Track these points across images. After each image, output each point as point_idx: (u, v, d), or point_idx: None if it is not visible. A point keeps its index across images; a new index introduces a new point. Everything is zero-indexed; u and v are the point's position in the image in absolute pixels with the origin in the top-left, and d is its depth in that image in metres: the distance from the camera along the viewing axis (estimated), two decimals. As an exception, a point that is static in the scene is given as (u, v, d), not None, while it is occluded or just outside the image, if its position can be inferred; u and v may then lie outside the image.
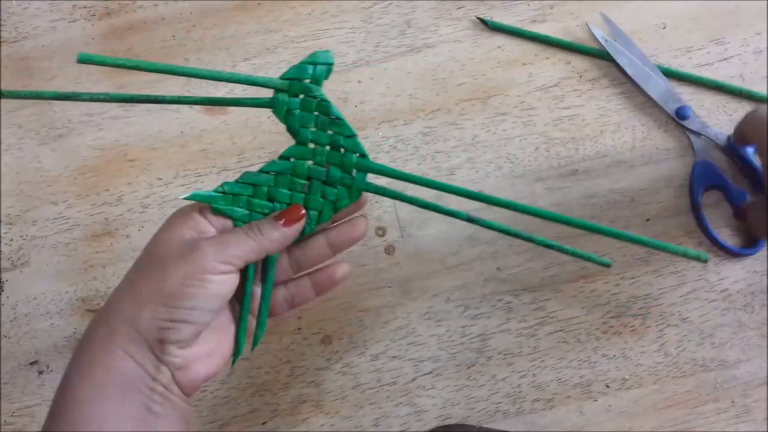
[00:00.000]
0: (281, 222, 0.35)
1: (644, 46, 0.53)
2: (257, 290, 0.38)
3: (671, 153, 0.51)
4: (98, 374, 0.31)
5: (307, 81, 0.36)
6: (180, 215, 0.35)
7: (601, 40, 0.52)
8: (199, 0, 0.55)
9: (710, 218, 0.49)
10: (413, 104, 0.52)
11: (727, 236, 0.49)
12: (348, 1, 0.55)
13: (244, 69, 0.54)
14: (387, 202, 0.51)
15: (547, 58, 0.53)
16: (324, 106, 0.36)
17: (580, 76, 0.53)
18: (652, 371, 0.47)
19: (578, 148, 0.51)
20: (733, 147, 0.49)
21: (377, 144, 0.52)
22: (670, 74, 0.52)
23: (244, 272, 0.36)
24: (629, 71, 0.51)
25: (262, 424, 0.47)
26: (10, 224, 0.51)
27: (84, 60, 0.34)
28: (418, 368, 0.48)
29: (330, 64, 0.36)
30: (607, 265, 0.39)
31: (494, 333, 0.48)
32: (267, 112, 0.53)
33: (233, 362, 0.37)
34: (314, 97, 0.36)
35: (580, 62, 0.53)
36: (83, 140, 0.53)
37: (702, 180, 0.49)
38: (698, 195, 0.49)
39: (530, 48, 0.53)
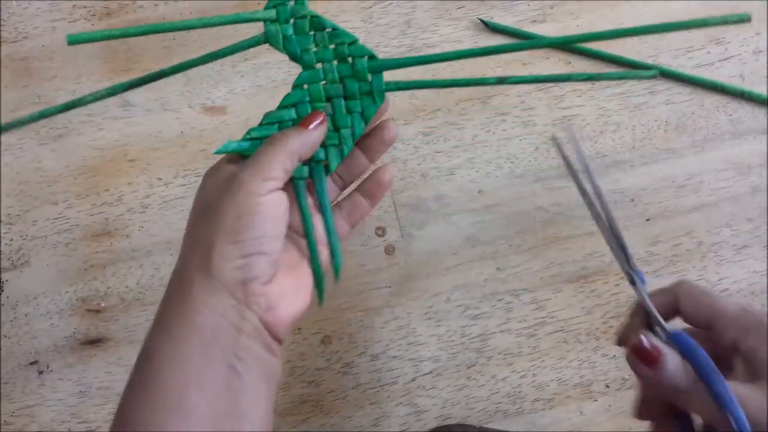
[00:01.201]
0: (303, 126, 0.35)
1: (644, 46, 0.53)
2: (317, 223, 0.37)
3: (671, 153, 0.51)
4: (179, 334, 0.30)
5: (291, 2, 0.35)
6: (211, 171, 0.34)
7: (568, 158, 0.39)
8: (199, 0, 0.55)
9: None
10: (413, 104, 0.52)
11: None
12: (348, 1, 0.55)
13: (244, 69, 0.54)
14: (387, 202, 0.51)
15: (547, 58, 0.53)
16: (317, 22, 0.35)
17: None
18: (652, 371, 0.47)
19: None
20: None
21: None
22: (670, 75, 0.52)
23: (296, 199, 0.36)
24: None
25: (262, 424, 0.47)
26: (10, 224, 0.51)
27: (73, 41, 0.33)
28: (418, 368, 0.48)
29: None
30: (653, 76, 0.37)
31: (494, 333, 0.48)
32: (266, 112, 0.53)
33: (320, 300, 0.36)
34: (304, 16, 0.35)
35: (580, 62, 0.53)
36: (83, 140, 0.53)
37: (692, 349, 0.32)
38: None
39: (537, 50, 0.53)
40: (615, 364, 0.47)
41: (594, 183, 0.36)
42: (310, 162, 0.36)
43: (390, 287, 0.49)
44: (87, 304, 0.50)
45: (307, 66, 0.36)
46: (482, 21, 0.54)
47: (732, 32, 0.53)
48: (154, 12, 0.55)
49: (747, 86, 0.51)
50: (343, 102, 0.36)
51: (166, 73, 0.37)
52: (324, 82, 0.36)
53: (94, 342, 0.49)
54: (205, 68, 0.54)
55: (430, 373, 0.48)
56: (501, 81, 0.36)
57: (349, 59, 0.36)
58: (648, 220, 0.50)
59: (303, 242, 0.36)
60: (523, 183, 0.51)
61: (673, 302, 0.33)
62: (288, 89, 0.55)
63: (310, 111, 0.36)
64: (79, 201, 0.52)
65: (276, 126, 0.36)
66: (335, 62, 0.36)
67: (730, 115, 0.51)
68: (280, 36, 0.36)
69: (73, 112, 0.53)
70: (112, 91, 0.36)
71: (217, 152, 0.34)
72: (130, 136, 0.53)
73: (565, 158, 0.37)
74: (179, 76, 0.54)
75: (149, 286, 0.50)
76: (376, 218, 0.50)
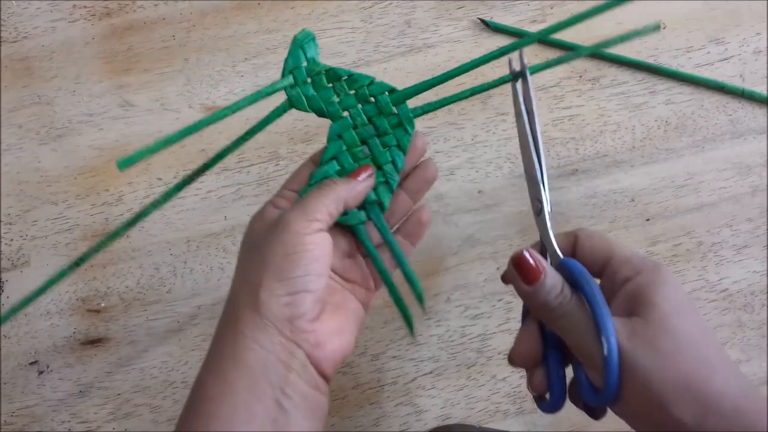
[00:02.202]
0: (351, 177, 0.36)
1: (644, 46, 0.53)
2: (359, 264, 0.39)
3: (671, 153, 0.51)
4: (228, 369, 0.31)
5: (304, 64, 0.37)
6: (257, 214, 0.36)
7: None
8: (199, 0, 0.55)
9: None
10: (413, 104, 0.52)
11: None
12: (348, 1, 0.55)
13: (244, 69, 0.54)
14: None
15: (547, 58, 0.53)
16: (332, 74, 0.37)
17: (580, 76, 0.53)
18: (652, 371, 0.47)
19: (578, 148, 0.51)
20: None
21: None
22: (670, 74, 0.52)
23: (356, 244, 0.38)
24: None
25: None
26: (10, 224, 0.51)
27: (125, 165, 0.35)
28: (418, 368, 0.48)
29: (312, 38, 0.37)
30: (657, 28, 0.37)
31: (494, 333, 0.48)
32: (266, 112, 0.53)
33: (411, 331, 0.38)
34: (319, 72, 0.37)
35: (580, 62, 0.53)
36: (83, 140, 0.53)
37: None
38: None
39: (530, 48, 0.53)
40: (615, 364, 0.47)
41: (529, 95, 0.37)
42: (365, 205, 0.37)
43: (390, 287, 0.49)
44: (87, 304, 0.50)
45: (334, 117, 0.37)
46: (482, 21, 0.54)
47: (732, 32, 0.53)
48: (154, 12, 0.55)
49: (747, 86, 0.52)
50: (377, 140, 0.37)
51: (209, 165, 0.40)
52: (354, 126, 0.37)
53: (94, 342, 0.49)
54: (206, 68, 0.54)
55: (430, 373, 0.48)
56: (516, 76, 0.37)
57: (372, 99, 0.37)
58: (648, 220, 0.50)
59: (346, 283, 0.38)
60: (523, 183, 0.50)
61: (572, 244, 0.34)
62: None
63: (349, 158, 0.37)
64: (79, 201, 0.52)
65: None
66: (360, 105, 0.37)
67: (730, 115, 0.51)
68: (303, 98, 0.37)
69: (73, 112, 0.54)
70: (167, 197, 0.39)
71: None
72: (130, 136, 0.53)
73: (513, 72, 0.38)
74: (179, 76, 0.54)
75: (149, 286, 0.50)
76: (376, 218, 0.50)
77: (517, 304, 0.48)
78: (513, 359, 0.35)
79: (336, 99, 0.37)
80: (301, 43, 0.37)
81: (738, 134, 0.51)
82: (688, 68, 0.52)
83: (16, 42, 0.55)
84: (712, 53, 0.53)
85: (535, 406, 0.36)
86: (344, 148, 0.37)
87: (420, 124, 0.52)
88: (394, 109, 0.37)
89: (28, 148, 0.53)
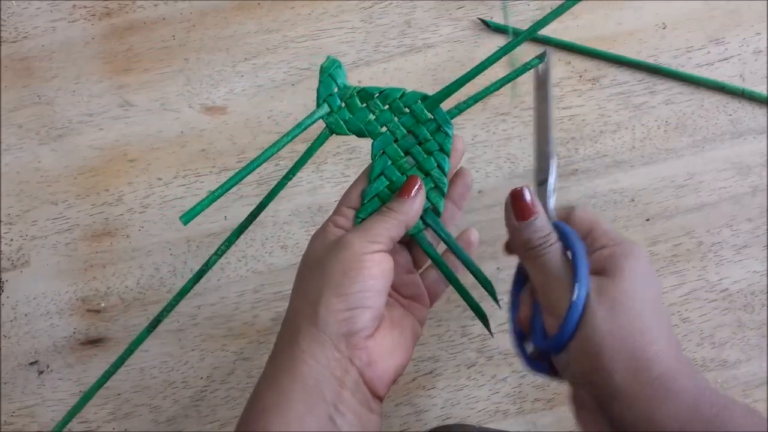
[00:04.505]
0: (402, 194, 0.37)
1: (644, 46, 0.53)
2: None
3: (671, 153, 0.51)
4: (283, 381, 0.31)
5: (336, 90, 0.38)
6: (319, 233, 0.37)
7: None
8: (199, 0, 0.55)
9: None
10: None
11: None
12: (348, 1, 0.55)
13: (244, 69, 0.54)
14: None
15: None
16: (364, 94, 0.38)
17: (580, 76, 0.53)
18: (652, 371, 0.47)
19: (578, 148, 0.51)
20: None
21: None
22: (670, 74, 0.52)
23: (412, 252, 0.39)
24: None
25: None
26: (10, 224, 0.51)
27: (188, 219, 0.38)
28: (418, 368, 0.48)
29: (339, 65, 0.38)
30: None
31: (494, 333, 0.48)
32: (267, 113, 0.53)
33: (489, 329, 0.39)
34: (352, 95, 0.38)
35: (580, 62, 0.53)
36: (83, 140, 0.53)
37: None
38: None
39: (530, 48, 0.53)
40: (615, 364, 0.47)
41: (549, 78, 0.40)
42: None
43: (390, 287, 0.49)
44: (87, 304, 0.50)
45: (375, 135, 0.38)
46: (483, 21, 0.54)
47: (732, 32, 0.53)
48: (154, 12, 0.55)
49: (747, 86, 0.51)
50: (419, 148, 0.38)
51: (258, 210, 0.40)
52: (395, 140, 0.38)
53: (94, 342, 0.49)
54: (206, 68, 0.54)
55: (430, 373, 0.48)
56: (542, 57, 0.39)
57: (406, 109, 0.38)
58: (648, 220, 0.50)
59: (404, 300, 0.38)
60: (523, 183, 0.50)
61: (566, 217, 0.36)
62: (287, 88, 0.55)
63: (396, 171, 0.38)
64: (79, 201, 0.52)
65: (376, 199, 0.38)
66: (396, 118, 0.38)
67: (730, 115, 0.51)
68: (341, 122, 0.38)
69: (73, 112, 0.54)
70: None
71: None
72: (130, 136, 0.53)
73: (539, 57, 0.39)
74: (179, 75, 0.54)
75: (149, 286, 0.50)
76: (376, 218, 0.50)
77: (517, 304, 0.48)
78: (518, 324, 0.37)
79: (372, 117, 0.38)
80: (329, 71, 0.38)
81: (738, 134, 0.51)
82: (688, 68, 0.52)
83: (16, 42, 0.55)
84: (712, 53, 0.53)
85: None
86: (389, 162, 0.38)
87: (420, 124, 0.52)
88: (430, 115, 0.38)
89: (28, 148, 0.53)
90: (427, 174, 0.38)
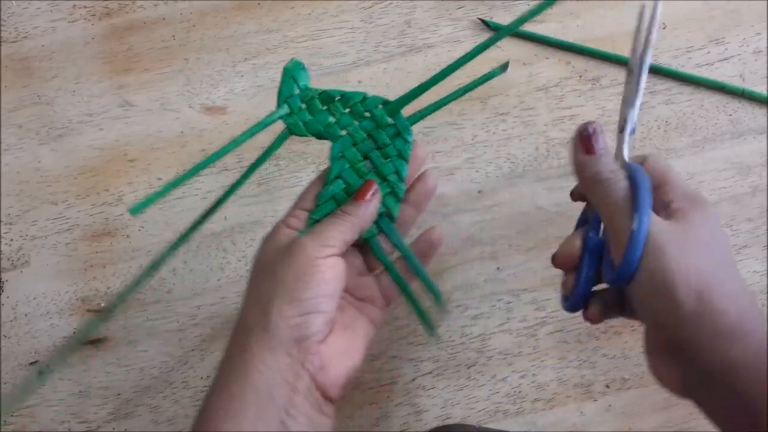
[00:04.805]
0: (357, 198, 0.37)
1: (644, 46, 0.53)
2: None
3: (671, 153, 0.51)
4: (234, 388, 0.31)
5: (297, 91, 0.38)
6: (272, 232, 0.36)
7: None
8: (199, 0, 0.55)
9: None
10: (413, 104, 0.52)
11: None
12: (348, 1, 0.55)
13: (244, 69, 0.54)
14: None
15: (547, 58, 0.53)
16: (325, 97, 0.38)
17: (580, 76, 0.53)
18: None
19: (578, 148, 0.51)
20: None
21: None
22: (670, 74, 0.52)
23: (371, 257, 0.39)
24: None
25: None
26: (10, 224, 0.51)
27: (136, 211, 0.37)
28: (418, 368, 0.48)
29: (302, 67, 0.38)
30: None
31: (494, 333, 0.48)
32: (267, 113, 0.53)
33: (433, 332, 0.39)
34: (313, 97, 0.38)
35: (580, 62, 0.53)
36: (83, 140, 0.53)
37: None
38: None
39: (530, 48, 0.53)
40: (615, 364, 0.47)
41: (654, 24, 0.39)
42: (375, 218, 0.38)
43: (390, 287, 0.49)
44: (87, 304, 0.50)
45: (334, 137, 0.38)
46: (482, 21, 0.54)
47: (732, 32, 0.53)
48: (154, 12, 0.55)
49: (747, 86, 0.51)
50: (378, 153, 0.38)
51: (222, 200, 0.40)
52: (355, 143, 0.38)
53: (94, 342, 0.49)
54: (206, 68, 0.54)
55: (430, 373, 0.48)
56: (505, 67, 0.38)
57: (367, 113, 0.38)
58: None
59: (357, 302, 0.38)
60: (523, 183, 0.51)
61: (639, 162, 0.37)
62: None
63: (354, 175, 0.38)
64: (79, 201, 0.52)
65: (332, 201, 0.38)
66: (357, 122, 0.38)
67: (730, 115, 0.51)
68: (301, 124, 0.38)
69: (73, 112, 0.54)
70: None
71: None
72: (130, 136, 0.53)
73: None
74: (179, 75, 0.54)
75: (149, 286, 0.50)
76: (376, 218, 0.50)
77: (517, 304, 0.48)
78: (554, 258, 0.38)
79: (333, 120, 0.38)
80: (291, 72, 0.38)
81: (738, 134, 0.51)
82: (688, 68, 0.52)
83: (16, 42, 0.55)
84: (712, 53, 0.53)
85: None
86: (347, 165, 0.38)
87: (420, 124, 0.52)
88: (391, 120, 0.38)
89: (28, 148, 0.53)
90: (384, 179, 0.38)
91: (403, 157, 0.38)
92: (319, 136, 0.38)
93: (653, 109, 0.52)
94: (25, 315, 0.50)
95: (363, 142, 0.38)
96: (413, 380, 0.48)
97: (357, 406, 0.47)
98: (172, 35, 0.55)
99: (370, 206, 0.37)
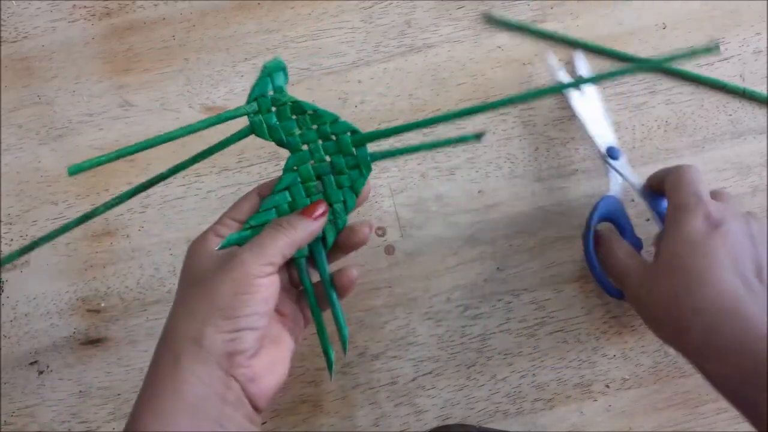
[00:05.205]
0: (305, 214, 0.37)
1: (644, 46, 0.53)
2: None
3: (671, 153, 0.51)
4: (166, 403, 0.31)
5: (271, 93, 0.37)
6: (201, 241, 0.36)
7: (555, 72, 0.50)
8: (199, 0, 0.55)
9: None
10: (413, 104, 0.52)
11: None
12: (348, 1, 0.55)
13: (244, 69, 0.54)
14: (387, 202, 0.51)
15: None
16: (297, 107, 0.37)
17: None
18: (652, 371, 0.47)
19: (578, 148, 0.51)
20: (647, 195, 0.47)
21: (377, 144, 0.51)
22: (670, 72, 0.52)
23: (291, 275, 0.39)
24: (575, 107, 0.49)
25: (262, 423, 0.47)
26: (10, 224, 0.51)
27: (74, 171, 0.35)
28: (418, 368, 0.48)
29: (283, 68, 0.37)
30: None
31: (494, 333, 0.48)
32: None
33: (331, 374, 0.39)
34: (285, 103, 0.37)
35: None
36: (83, 140, 0.53)
37: (601, 211, 0.45)
38: (592, 222, 0.45)
39: (530, 48, 0.53)
40: (615, 364, 0.47)
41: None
42: None
43: (390, 287, 0.49)
44: (87, 304, 0.50)
45: (294, 149, 0.38)
46: (486, 16, 0.53)
47: (732, 32, 0.53)
48: (154, 12, 0.55)
49: (747, 86, 0.51)
50: (332, 178, 0.38)
51: (164, 175, 0.40)
52: (312, 161, 0.38)
53: (94, 342, 0.49)
54: (206, 68, 0.54)
55: (430, 373, 0.48)
56: (479, 136, 0.37)
57: (333, 137, 0.37)
58: (648, 220, 0.50)
59: (279, 317, 0.38)
60: (523, 183, 0.51)
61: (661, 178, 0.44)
62: (287, 88, 0.55)
63: (302, 192, 0.38)
64: (79, 201, 0.52)
65: (273, 211, 0.37)
66: (320, 141, 0.37)
67: (730, 115, 0.51)
68: (265, 126, 0.37)
69: (73, 112, 0.54)
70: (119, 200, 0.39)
71: (221, 247, 0.36)
72: (130, 136, 0.53)
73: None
74: (179, 75, 0.54)
75: (149, 286, 0.50)
76: (377, 218, 0.50)
77: (517, 304, 0.48)
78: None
79: (297, 132, 0.37)
80: (270, 71, 0.37)
81: (738, 134, 0.51)
82: (687, 68, 0.52)
83: (16, 42, 0.55)
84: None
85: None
86: (299, 180, 0.38)
87: (420, 124, 0.52)
88: (354, 150, 0.37)
89: (28, 148, 0.53)
90: (329, 205, 0.38)
91: (354, 189, 0.38)
92: (279, 144, 0.37)
93: (653, 109, 0.52)
94: (25, 315, 0.50)
95: (320, 163, 0.37)
96: (413, 380, 0.48)
97: (357, 406, 0.47)
98: (172, 35, 0.55)
99: (315, 225, 0.36)
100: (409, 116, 0.52)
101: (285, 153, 0.52)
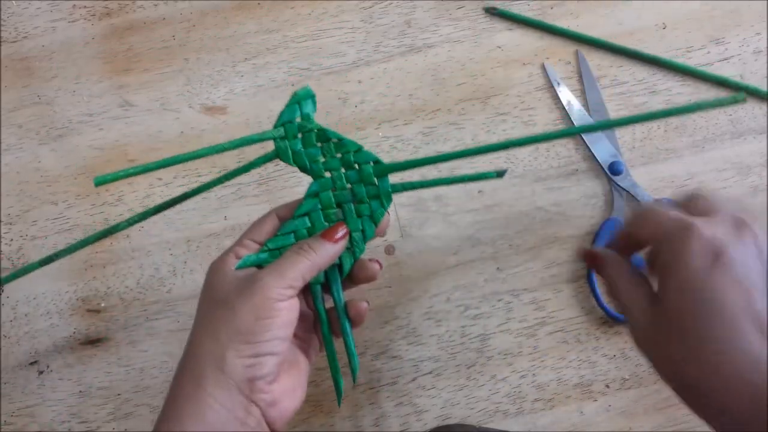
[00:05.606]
0: (326, 237, 0.36)
1: (644, 47, 0.53)
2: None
3: (671, 153, 0.51)
4: (188, 427, 0.31)
5: (298, 119, 0.37)
6: (220, 262, 0.36)
7: (554, 83, 0.52)
8: (199, 0, 0.55)
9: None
10: (413, 104, 0.52)
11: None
12: (348, 1, 0.55)
13: (244, 69, 0.54)
14: (387, 202, 0.51)
15: (547, 58, 0.53)
16: (323, 134, 0.37)
17: (580, 76, 0.52)
18: (652, 371, 0.47)
19: (578, 148, 0.51)
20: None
21: (377, 144, 0.52)
22: (672, 67, 0.52)
23: (306, 302, 0.38)
24: (573, 118, 0.51)
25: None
26: (10, 224, 0.51)
27: (100, 183, 0.36)
28: (418, 368, 0.48)
29: (312, 96, 0.37)
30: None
31: (494, 333, 0.48)
32: (267, 113, 0.53)
33: (339, 403, 0.39)
34: (311, 130, 0.37)
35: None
36: (83, 140, 0.53)
37: (605, 237, 0.46)
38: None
39: (530, 48, 0.53)
40: (615, 364, 0.47)
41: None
42: None
43: (390, 287, 0.49)
44: (87, 304, 0.50)
45: (316, 176, 0.38)
46: (490, 9, 0.53)
47: (732, 32, 0.53)
48: (154, 12, 0.55)
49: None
50: (352, 206, 0.38)
51: (189, 195, 0.40)
52: (333, 189, 0.38)
53: (94, 342, 0.49)
54: (206, 68, 0.54)
55: (430, 373, 0.48)
56: (500, 174, 0.37)
57: (356, 165, 0.37)
58: (648, 220, 0.50)
59: (297, 340, 0.38)
60: (523, 183, 0.51)
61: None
62: (287, 88, 0.55)
63: (321, 218, 0.38)
64: (79, 201, 0.52)
65: (292, 236, 0.37)
66: (343, 170, 0.38)
67: (730, 115, 0.51)
68: (290, 152, 0.37)
69: (73, 112, 0.54)
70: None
71: (238, 267, 0.36)
72: (130, 136, 0.53)
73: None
74: (179, 75, 0.54)
75: (149, 286, 0.50)
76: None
77: (517, 304, 0.48)
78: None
79: (321, 159, 0.38)
80: (299, 99, 0.37)
81: (738, 134, 0.51)
82: (687, 65, 0.52)
83: (16, 42, 0.55)
84: (712, 53, 0.53)
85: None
86: (319, 206, 0.38)
87: (421, 124, 0.52)
88: (375, 181, 0.37)
89: (28, 148, 0.53)
90: (348, 233, 0.37)
91: (374, 219, 0.38)
92: (303, 170, 0.38)
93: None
94: (25, 315, 0.50)
95: (341, 191, 0.38)
96: (413, 380, 0.48)
97: (357, 406, 0.47)
98: (172, 35, 0.55)
99: (335, 248, 0.36)
100: (409, 116, 0.52)
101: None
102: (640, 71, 0.52)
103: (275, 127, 0.37)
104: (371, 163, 0.37)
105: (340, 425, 0.47)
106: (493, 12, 0.53)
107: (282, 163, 0.52)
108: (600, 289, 0.48)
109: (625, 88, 0.52)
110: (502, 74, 0.53)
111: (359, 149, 0.37)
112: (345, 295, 0.39)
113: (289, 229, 0.37)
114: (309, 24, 0.54)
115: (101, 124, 0.53)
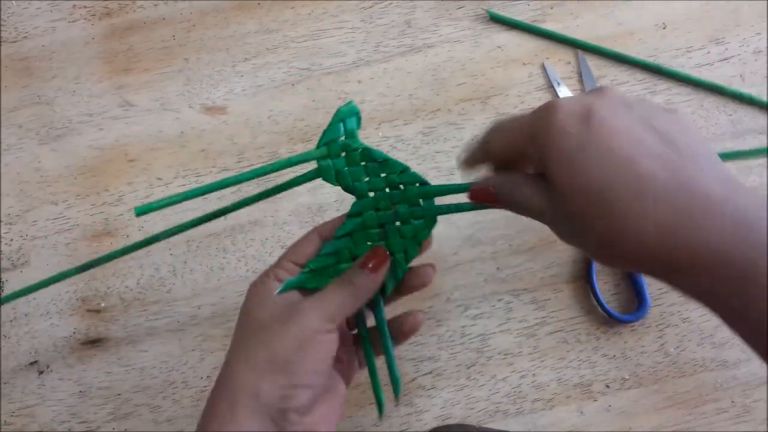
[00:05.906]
0: (368, 268, 0.35)
1: (644, 47, 0.53)
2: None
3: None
4: None
5: (342, 138, 0.36)
6: (260, 285, 0.35)
7: (554, 83, 0.52)
8: (199, 0, 0.55)
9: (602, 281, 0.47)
10: (413, 104, 0.52)
11: (613, 303, 0.48)
12: (348, 1, 0.55)
13: (244, 69, 0.54)
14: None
15: (547, 59, 0.53)
16: (367, 154, 0.36)
17: (580, 76, 0.53)
18: (652, 371, 0.47)
19: (578, 148, 0.51)
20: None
21: (377, 144, 0.52)
22: (669, 74, 0.52)
23: (354, 320, 0.38)
24: None
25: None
26: (10, 224, 0.51)
27: (141, 213, 0.36)
28: (418, 368, 0.48)
29: (356, 113, 0.36)
30: None
31: (494, 333, 0.48)
32: (267, 113, 0.53)
33: (380, 416, 0.39)
34: (355, 149, 0.36)
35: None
36: (83, 140, 0.53)
37: None
38: (592, 270, 0.47)
39: (530, 48, 0.53)
40: (615, 364, 0.47)
41: None
42: None
43: (390, 287, 0.49)
44: (87, 304, 0.50)
45: (360, 195, 0.37)
46: (488, 12, 0.54)
47: (732, 32, 0.53)
48: (154, 12, 0.55)
49: (747, 86, 0.51)
50: (395, 227, 0.37)
51: (229, 209, 0.42)
52: (377, 209, 0.37)
53: (94, 342, 0.49)
54: (206, 68, 0.54)
55: (430, 373, 0.48)
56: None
57: (401, 186, 0.36)
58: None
59: (337, 364, 0.37)
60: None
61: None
62: (287, 88, 0.55)
63: (363, 238, 0.37)
64: (79, 201, 0.52)
65: (333, 257, 0.36)
66: (387, 189, 0.37)
67: (730, 115, 0.51)
68: (333, 171, 0.36)
69: (73, 112, 0.54)
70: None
71: (281, 291, 0.35)
72: (130, 136, 0.53)
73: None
74: (179, 75, 0.54)
75: (149, 286, 0.50)
76: (376, 218, 0.50)
77: (517, 304, 0.48)
78: None
79: (365, 178, 0.37)
80: (343, 117, 0.36)
81: (738, 134, 0.51)
82: (687, 68, 0.52)
83: (16, 42, 0.55)
84: (712, 53, 0.53)
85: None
86: (362, 227, 0.37)
87: (421, 123, 0.52)
88: (421, 202, 0.37)
89: (28, 148, 0.53)
90: (391, 254, 0.36)
91: (417, 240, 0.37)
92: (346, 189, 0.37)
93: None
94: (25, 315, 0.50)
95: (385, 212, 0.37)
96: (413, 380, 0.48)
97: (357, 406, 0.47)
98: (172, 35, 0.55)
99: (377, 279, 0.35)
100: (409, 116, 0.52)
101: (285, 152, 0.52)
102: (640, 71, 0.52)
103: (318, 146, 0.36)
104: (417, 185, 0.36)
105: (340, 425, 0.47)
106: (490, 16, 0.53)
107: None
108: (600, 289, 0.48)
109: (625, 88, 0.52)
110: (502, 74, 0.53)
111: (405, 170, 0.36)
112: (392, 307, 0.38)
113: (330, 250, 0.36)
114: (309, 24, 0.54)
115: (101, 124, 0.53)
